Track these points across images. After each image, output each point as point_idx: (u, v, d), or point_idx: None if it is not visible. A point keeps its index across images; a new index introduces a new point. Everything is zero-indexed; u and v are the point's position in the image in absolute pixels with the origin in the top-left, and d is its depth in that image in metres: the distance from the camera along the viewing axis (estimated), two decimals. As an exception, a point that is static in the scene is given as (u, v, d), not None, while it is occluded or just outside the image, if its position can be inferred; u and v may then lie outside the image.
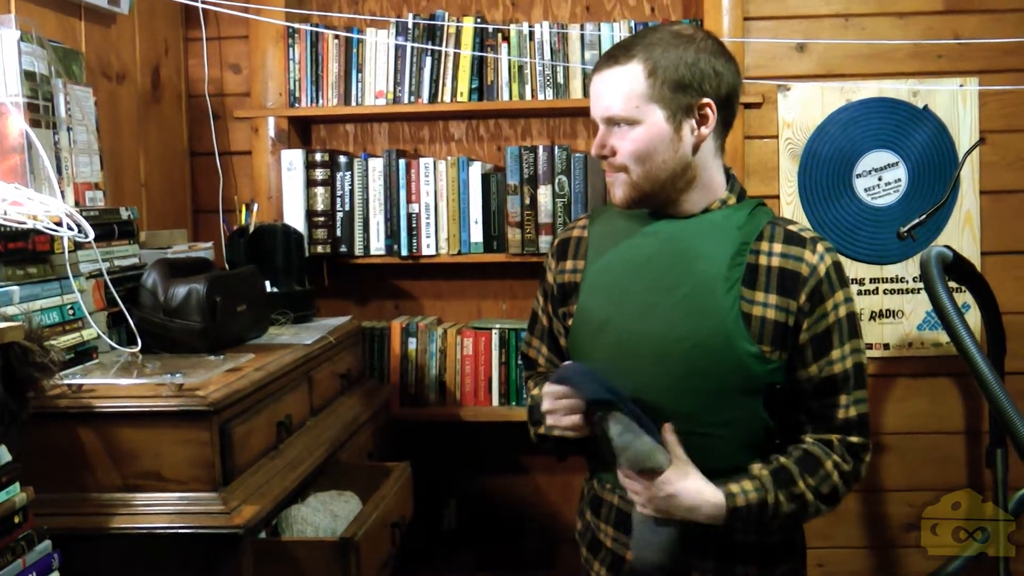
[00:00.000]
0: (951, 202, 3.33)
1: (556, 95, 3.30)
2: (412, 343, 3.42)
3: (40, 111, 2.26)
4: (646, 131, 1.82)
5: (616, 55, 1.84)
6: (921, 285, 2.99)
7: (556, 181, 3.29)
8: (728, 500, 1.77)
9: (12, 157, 2.18)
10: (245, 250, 2.96)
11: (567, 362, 1.91)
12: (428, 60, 3.33)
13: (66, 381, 1.95)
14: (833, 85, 3.33)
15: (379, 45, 3.37)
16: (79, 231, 2.03)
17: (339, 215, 3.38)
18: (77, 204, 2.36)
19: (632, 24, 3.27)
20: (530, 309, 2.18)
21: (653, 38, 1.83)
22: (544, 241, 3.28)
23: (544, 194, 3.29)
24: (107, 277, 2.27)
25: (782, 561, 1.94)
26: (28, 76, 2.22)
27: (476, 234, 3.35)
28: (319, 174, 3.36)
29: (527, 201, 3.30)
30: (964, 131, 3.31)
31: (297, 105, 3.42)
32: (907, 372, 3.43)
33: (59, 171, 2.30)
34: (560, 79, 3.30)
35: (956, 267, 2.89)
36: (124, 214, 2.48)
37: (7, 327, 1.66)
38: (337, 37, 3.38)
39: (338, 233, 3.39)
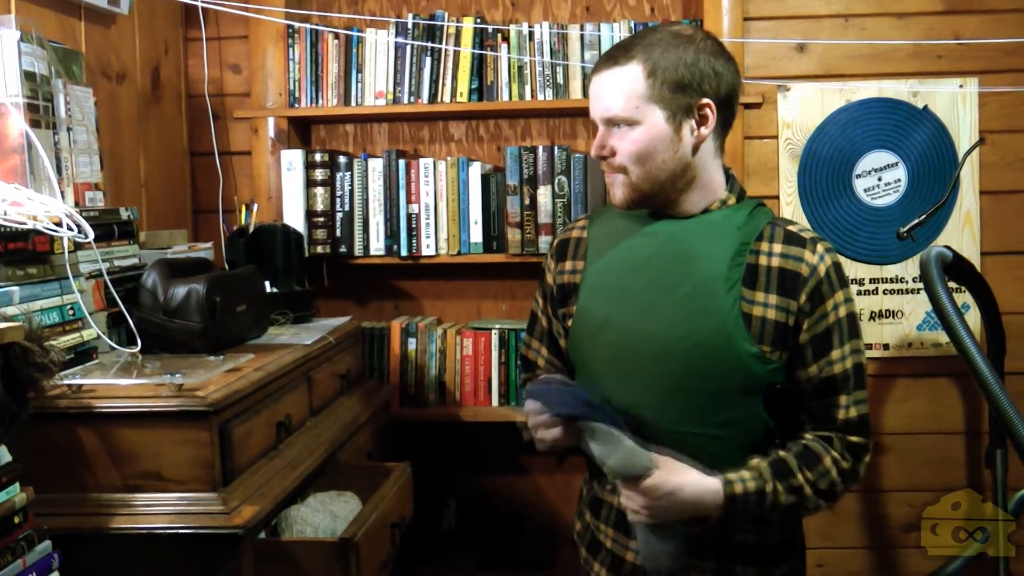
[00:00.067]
0: (951, 202, 3.33)
1: (556, 95, 3.30)
2: (412, 343, 3.42)
3: (40, 111, 2.25)
4: (646, 132, 1.82)
5: (615, 56, 1.84)
6: (921, 285, 2.99)
7: (556, 181, 3.29)
8: (726, 487, 1.77)
9: (12, 157, 2.18)
10: (245, 250, 2.96)
11: (541, 376, 1.91)
12: (428, 60, 3.33)
13: (66, 381, 1.95)
14: (833, 85, 3.33)
15: (379, 45, 3.37)
16: (79, 231, 2.03)
17: (339, 215, 3.38)
18: (77, 204, 2.36)
19: (632, 24, 3.27)
20: (529, 309, 2.18)
21: (652, 38, 1.83)
22: (544, 241, 3.28)
23: (544, 194, 3.29)
24: (107, 277, 2.27)
25: (782, 561, 1.94)
26: (28, 76, 2.22)
27: (476, 234, 3.35)
28: (319, 174, 3.36)
29: (527, 201, 3.30)
30: (964, 131, 3.31)
31: (297, 105, 3.42)
32: (907, 372, 3.43)
33: (59, 171, 2.30)
34: (560, 79, 3.30)
35: (956, 267, 2.89)
36: (124, 214, 2.48)
37: (7, 327, 1.66)
38: (337, 37, 3.38)
39: (338, 233, 3.39)
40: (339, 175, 3.38)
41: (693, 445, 1.81)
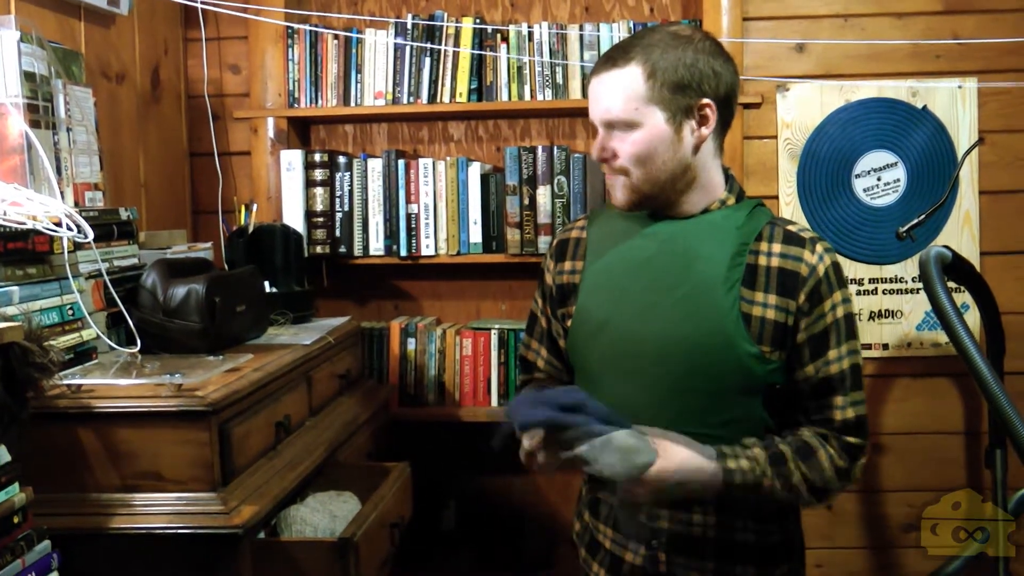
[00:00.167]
0: (950, 202, 3.33)
1: (555, 95, 3.30)
2: (411, 343, 3.42)
3: (40, 112, 2.26)
4: (646, 133, 1.82)
5: (614, 57, 1.84)
6: (920, 285, 2.99)
7: (555, 181, 3.29)
8: (725, 476, 1.76)
9: (12, 158, 2.18)
10: (244, 250, 2.96)
11: (522, 393, 1.90)
12: (427, 60, 3.33)
13: (65, 381, 1.95)
14: (832, 85, 3.34)
15: (378, 45, 3.37)
16: (79, 231, 2.03)
17: (338, 215, 3.38)
18: (77, 204, 2.36)
19: (631, 24, 3.27)
20: (529, 310, 2.18)
21: (651, 39, 1.82)
22: (543, 241, 3.28)
23: (543, 194, 3.29)
24: (106, 277, 2.27)
25: (781, 561, 1.94)
26: (28, 77, 2.22)
27: (475, 234, 3.35)
28: (318, 174, 3.36)
29: (526, 201, 3.30)
30: (963, 131, 3.31)
31: (296, 105, 3.42)
32: (906, 372, 3.43)
33: (59, 171, 2.31)
34: (559, 79, 3.30)
35: (955, 267, 2.89)
36: (123, 214, 2.48)
37: (7, 327, 1.66)
38: (336, 37, 3.38)
39: (337, 233, 3.39)
40: (338, 175, 3.38)
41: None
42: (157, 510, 1.94)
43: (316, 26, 3.40)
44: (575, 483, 2.94)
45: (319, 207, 3.36)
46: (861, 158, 3.34)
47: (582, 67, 3.29)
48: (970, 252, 3.30)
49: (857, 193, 3.34)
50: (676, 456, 1.74)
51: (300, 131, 3.55)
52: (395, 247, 3.36)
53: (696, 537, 1.88)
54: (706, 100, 1.83)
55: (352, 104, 3.39)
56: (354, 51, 3.38)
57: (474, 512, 3.56)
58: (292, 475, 2.25)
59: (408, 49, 3.33)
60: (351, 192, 3.37)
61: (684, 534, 1.89)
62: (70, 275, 2.08)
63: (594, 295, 1.94)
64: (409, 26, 3.34)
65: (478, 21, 3.32)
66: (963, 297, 3.25)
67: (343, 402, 2.83)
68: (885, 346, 3.40)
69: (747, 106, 3.35)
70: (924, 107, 3.31)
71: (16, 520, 1.65)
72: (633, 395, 1.85)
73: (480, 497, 3.56)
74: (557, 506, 3.52)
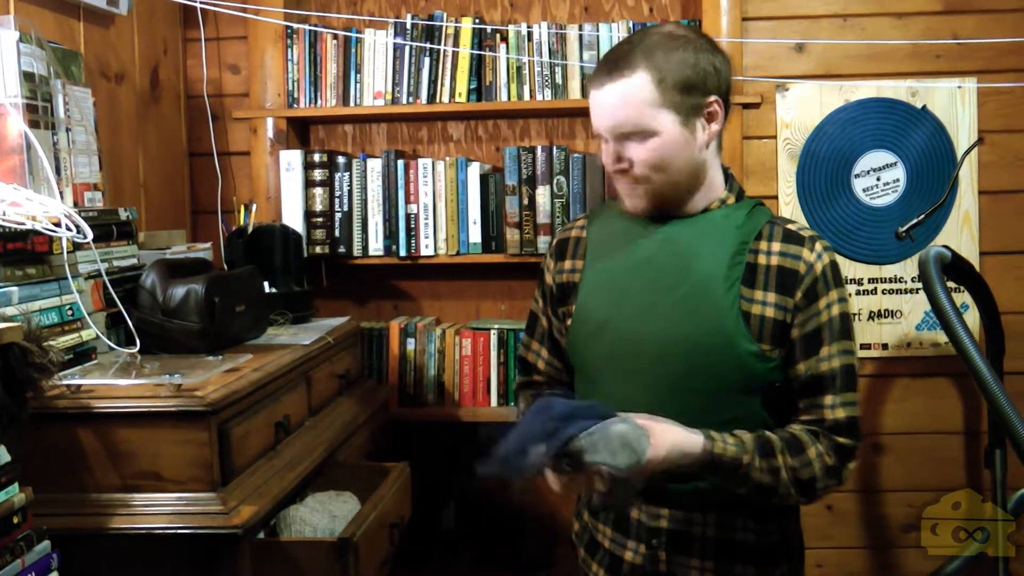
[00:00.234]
0: (950, 202, 3.33)
1: (554, 95, 3.30)
2: (411, 343, 3.42)
3: (39, 112, 2.26)
4: (663, 138, 1.81)
5: (617, 67, 1.81)
6: (920, 285, 3.00)
7: (554, 181, 3.29)
8: (707, 443, 1.75)
9: (11, 158, 2.18)
10: (244, 251, 2.96)
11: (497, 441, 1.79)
12: (426, 61, 3.33)
13: (65, 382, 1.95)
14: (831, 85, 3.34)
15: (377, 45, 3.37)
16: (78, 232, 2.03)
17: (337, 216, 3.38)
18: (76, 205, 2.36)
19: (630, 24, 3.27)
20: (528, 309, 2.17)
21: (649, 43, 1.81)
22: (543, 241, 3.28)
23: (542, 194, 3.29)
24: (106, 278, 2.27)
25: (781, 561, 1.94)
26: (27, 77, 2.22)
27: (474, 234, 3.35)
28: (317, 175, 3.36)
29: (525, 201, 3.30)
30: (962, 131, 3.31)
31: (295, 106, 3.42)
32: (906, 372, 3.43)
33: (58, 172, 2.31)
34: (558, 79, 3.30)
35: (955, 267, 2.89)
36: (123, 215, 2.48)
37: (6, 328, 1.66)
38: (336, 37, 3.38)
39: (336, 234, 3.39)
40: (338, 175, 3.38)
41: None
42: (157, 510, 1.94)
43: (315, 26, 3.40)
44: (575, 483, 2.94)
45: (318, 207, 3.36)
46: (860, 158, 3.34)
47: (581, 67, 3.29)
48: (969, 252, 3.30)
49: (856, 193, 3.34)
50: (667, 439, 1.73)
51: (299, 131, 3.54)
52: (394, 247, 3.36)
53: (696, 536, 1.88)
54: (712, 97, 1.84)
55: (351, 104, 3.39)
56: (353, 51, 3.38)
57: (474, 512, 3.55)
58: (291, 475, 2.25)
59: (407, 49, 3.33)
60: (350, 192, 3.37)
61: (684, 533, 1.89)
62: (69, 275, 2.08)
63: (594, 294, 1.94)
64: (408, 26, 3.34)
65: (477, 21, 3.32)
66: (962, 297, 3.25)
67: (342, 402, 2.83)
68: (884, 346, 3.40)
69: (746, 106, 3.35)
70: (924, 107, 3.31)
71: (16, 520, 1.65)
72: (633, 395, 1.85)
73: (480, 497, 3.55)
74: (556, 506, 3.52)
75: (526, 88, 3.31)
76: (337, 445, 2.62)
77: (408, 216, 3.35)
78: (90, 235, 2.05)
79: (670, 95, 1.79)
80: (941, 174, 3.32)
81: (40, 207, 2.02)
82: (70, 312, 2.08)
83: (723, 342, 1.80)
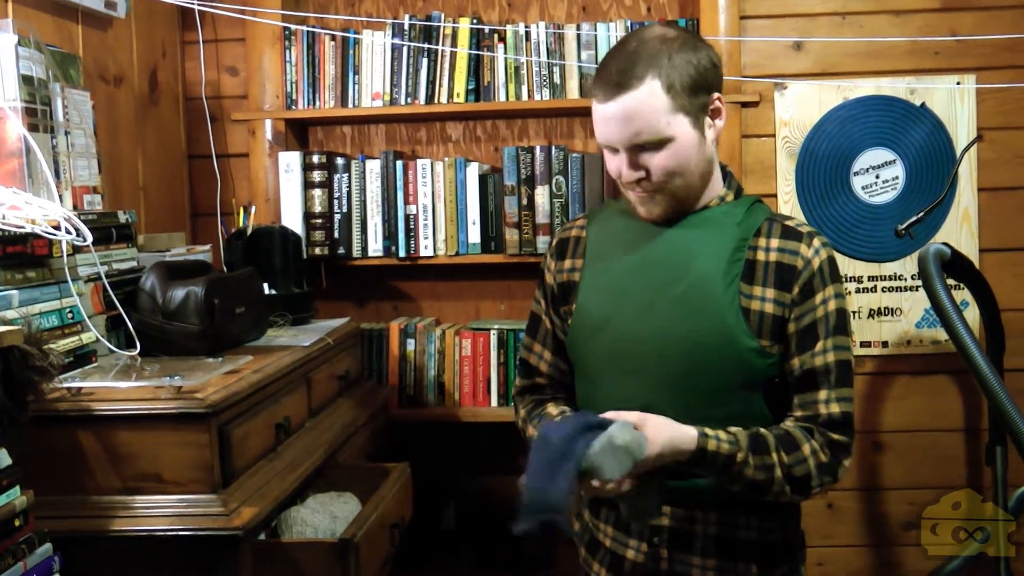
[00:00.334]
0: (949, 199, 3.33)
1: (553, 95, 3.30)
2: (410, 344, 3.42)
3: (38, 115, 2.26)
4: (679, 143, 1.80)
5: (625, 78, 1.78)
6: (919, 283, 2.99)
7: (553, 181, 3.29)
8: (700, 439, 1.74)
9: (10, 161, 2.18)
10: (243, 252, 2.96)
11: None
12: (424, 61, 3.33)
13: (65, 384, 1.95)
14: (830, 83, 3.34)
15: (375, 46, 3.37)
16: (77, 235, 2.03)
17: (337, 217, 3.38)
18: (75, 208, 2.36)
19: (628, 24, 3.27)
20: (528, 310, 2.17)
21: (651, 50, 1.79)
22: (542, 241, 3.28)
23: (541, 194, 3.29)
24: (106, 280, 2.27)
25: (782, 560, 1.94)
26: (26, 80, 2.22)
27: (474, 235, 3.35)
28: (316, 176, 3.36)
29: (524, 202, 3.30)
30: (961, 128, 3.31)
31: (294, 107, 3.42)
32: (906, 370, 3.43)
33: (57, 175, 2.30)
34: (557, 79, 3.30)
35: (954, 264, 2.89)
36: (122, 217, 2.48)
37: (6, 331, 1.66)
38: (333, 39, 3.38)
39: (336, 235, 3.39)
40: (337, 177, 3.38)
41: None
42: (157, 512, 1.94)
43: (313, 27, 3.40)
44: (575, 483, 2.94)
45: (317, 208, 3.36)
46: (859, 156, 3.34)
47: (579, 67, 3.29)
48: (969, 249, 3.30)
49: (856, 191, 3.34)
50: (661, 436, 1.72)
51: (298, 133, 3.54)
52: (394, 248, 3.36)
53: (698, 534, 1.88)
54: (716, 94, 1.85)
55: (350, 105, 3.39)
56: (351, 52, 3.38)
57: (474, 512, 3.55)
58: (292, 476, 2.25)
59: (405, 50, 3.33)
60: (349, 193, 3.37)
61: (686, 531, 1.89)
62: (69, 278, 2.08)
63: (594, 294, 1.94)
64: (406, 27, 3.34)
65: (475, 21, 3.32)
66: (962, 294, 3.25)
67: (343, 403, 2.83)
68: (884, 344, 3.40)
69: (745, 105, 3.35)
70: (922, 104, 3.31)
71: (17, 523, 1.65)
72: (634, 393, 1.85)
73: (480, 497, 3.55)
74: (557, 506, 3.51)
75: (524, 88, 3.31)
76: (337, 446, 2.62)
77: (407, 217, 3.35)
78: (90, 238, 2.05)
79: (680, 99, 1.79)
80: (940, 171, 3.32)
81: (40, 210, 2.02)
82: (70, 315, 2.08)
83: (723, 339, 1.80)
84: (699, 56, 1.82)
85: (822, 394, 1.84)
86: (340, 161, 3.38)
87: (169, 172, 3.41)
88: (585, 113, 3.41)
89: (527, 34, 3.31)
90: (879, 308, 3.39)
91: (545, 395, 2.09)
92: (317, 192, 3.36)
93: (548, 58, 3.29)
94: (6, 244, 1.92)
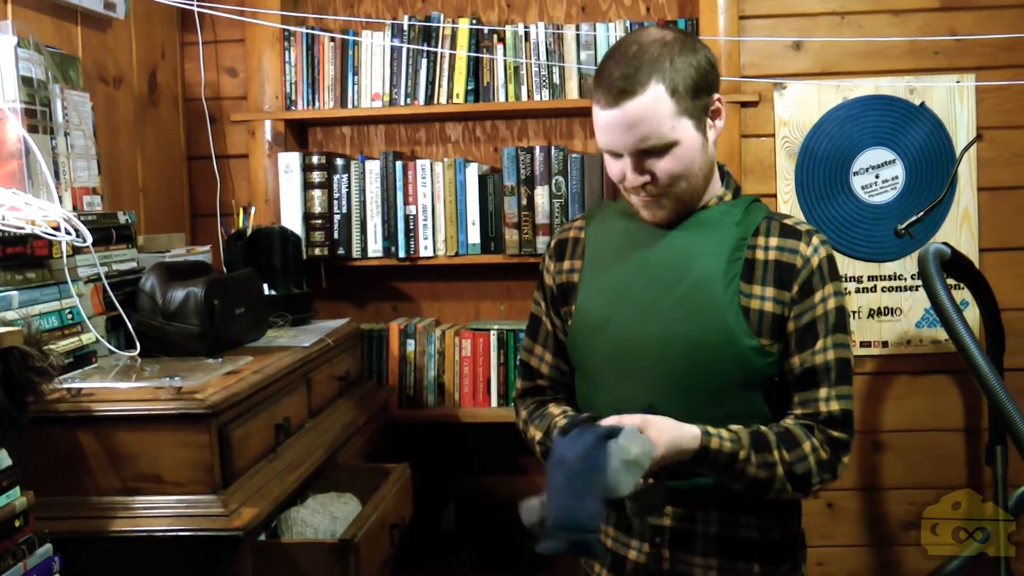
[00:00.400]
0: (949, 199, 3.33)
1: (552, 96, 3.30)
2: (410, 345, 3.42)
3: (38, 116, 2.26)
4: (684, 147, 1.80)
5: (629, 84, 1.77)
6: (919, 282, 2.99)
7: (553, 182, 3.29)
8: (704, 438, 1.74)
9: (10, 162, 2.18)
10: (243, 253, 2.96)
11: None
12: (424, 62, 3.33)
13: (65, 385, 1.95)
14: (830, 83, 3.34)
15: (375, 47, 3.37)
16: (77, 236, 2.03)
17: (336, 217, 3.38)
18: (75, 209, 2.36)
19: (627, 24, 3.27)
20: (528, 310, 2.16)
21: (653, 54, 1.78)
22: (541, 242, 3.28)
23: (541, 195, 3.29)
24: (105, 281, 2.27)
25: (784, 558, 1.94)
26: (25, 82, 2.22)
27: (473, 235, 3.35)
28: (316, 177, 3.36)
29: (524, 202, 3.30)
30: (961, 128, 3.31)
31: (293, 108, 3.42)
32: (906, 370, 3.43)
33: (57, 176, 2.31)
34: (556, 80, 3.30)
35: (954, 264, 2.89)
36: (122, 218, 2.48)
37: (6, 332, 1.66)
38: (333, 40, 3.38)
39: (335, 235, 3.39)
40: (336, 177, 3.38)
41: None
42: (157, 513, 1.94)
43: (312, 28, 3.40)
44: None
45: (317, 209, 3.36)
46: (859, 156, 3.34)
47: (579, 67, 3.29)
48: (969, 249, 3.30)
49: (855, 191, 3.35)
50: (664, 437, 1.72)
51: (297, 133, 3.54)
52: (393, 248, 3.36)
53: (699, 534, 1.88)
54: (716, 95, 1.85)
55: (349, 106, 3.39)
56: (351, 53, 3.38)
57: (474, 512, 3.56)
58: (292, 477, 2.25)
59: (405, 51, 3.33)
60: (349, 194, 3.37)
61: (687, 531, 1.89)
62: (69, 279, 2.08)
63: (593, 294, 1.94)
64: (405, 27, 3.34)
65: (474, 22, 3.32)
66: (962, 294, 3.25)
67: (342, 404, 2.83)
68: (884, 344, 3.40)
69: (745, 104, 3.35)
70: (922, 104, 3.31)
71: (17, 524, 1.65)
72: (634, 393, 1.85)
73: (480, 497, 3.56)
74: (558, 506, 3.51)
75: (524, 89, 3.31)
76: (337, 447, 2.62)
77: (407, 217, 3.35)
78: (89, 239, 2.05)
79: (684, 102, 1.78)
80: (940, 171, 3.33)
81: (39, 211, 2.02)
82: (70, 316, 2.08)
83: (724, 338, 1.80)
84: (698, 58, 1.82)
85: (822, 392, 1.84)
86: (340, 162, 3.38)
87: (169, 173, 3.41)
88: (584, 113, 3.41)
89: (526, 35, 3.31)
90: (879, 308, 3.39)
91: (546, 396, 2.09)
92: (317, 193, 3.36)
93: (547, 59, 3.29)
94: (6, 245, 1.92)
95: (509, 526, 3.62)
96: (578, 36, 3.30)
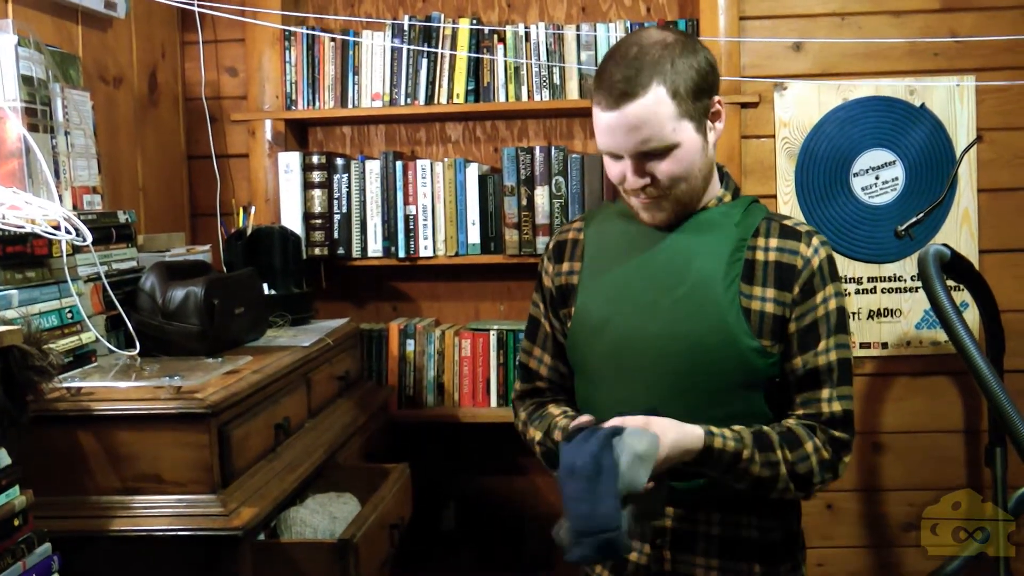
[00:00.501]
0: (949, 200, 3.33)
1: (552, 96, 3.30)
2: (410, 345, 3.42)
3: (38, 115, 2.26)
4: (685, 149, 1.80)
5: (631, 86, 1.76)
6: (919, 284, 2.99)
7: (553, 182, 3.29)
8: (707, 438, 1.74)
9: (10, 161, 2.18)
10: (243, 253, 2.96)
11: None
12: (424, 62, 3.33)
13: (65, 384, 1.95)
14: (830, 84, 3.34)
15: (375, 47, 3.37)
16: (77, 235, 2.03)
17: (336, 217, 3.38)
18: (75, 208, 2.36)
19: (628, 24, 3.27)
20: (527, 310, 2.16)
21: (654, 56, 1.78)
22: (541, 242, 3.28)
23: (541, 195, 3.29)
24: (105, 280, 2.27)
25: (784, 558, 1.94)
26: (26, 81, 2.22)
27: (473, 235, 3.35)
28: (316, 176, 3.36)
29: (524, 202, 3.30)
30: (961, 129, 3.31)
31: (293, 108, 3.42)
32: (906, 371, 3.43)
33: (57, 175, 2.30)
34: (556, 80, 3.30)
35: (954, 265, 2.89)
36: (122, 217, 2.48)
37: (6, 331, 1.66)
38: (333, 40, 3.38)
39: (335, 235, 3.39)
40: (336, 177, 3.38)
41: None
42: (157, 512, 1.94)
43: (313, 28, 3.40)
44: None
45: (317, 209, 3.36)
46: (859, 157, 3.34)
47: (579, 68, 3.29)
48: (969, 250, 3.30)
49: (855, 192, 3.35)
50: (667, 438, 1.72)
51: (297, 133, 3.54)
52: (393, 248, 3.36)
53: (700, 535, 1.88)
54: (716, 97, 1.85)
55: (349, 106, 3.39)
56: (351, 53, 3.38)
57: (474, 512, 3.56)
58: (292, 477, 2.25)
59: (405, 51, 3.33)
60: (349, 194, 3.37)
61: (689, 532, 1.89)
62: (69, 278, 2.08)
63: (593, 295, 1.94)
64: (406, 27, 3.34)
65: (475, 22, 3.32)
66: (962, 295, 3.25)
67: (342, 404, 2.83)
68: (884, 345, 3.40)
69: (745, 105, 3.35)
70: (922, 105, 3.31)
71: (16, 523, 1.65)
72: (634, 394, 1.85)
73: (480, 497, 3.56)
74: (557, 506, 3.50)
75: (524, 89, 3.31)
76: (337, 447, 2.62)
77: (407, 217, 3.35)
78: (89, 238, 2.05)
79: (686, 104, 1.78)
80: (940, 172, 3.33)
81: (39, 210, 2.02)
82: (70, 315, 2.08)
83: (725, 339, 1.80)
84: (699, 60, 1.82)
85: (824, 392, 1.84)
86: (340, 161, 3.38)
87: (169, 172, 3.41)
88: (585, 114, 3.41)
89: (527, 35, 3.31)
90: (879, 309, 3.39)
91: (545, 398, 2.09)
92: (317, 192, 3.36)
93: (548, 59, 3.29)
94: (6, 244, 1.92)
95: (509, 526, 3.64)
96: (578, 36, 3.30)
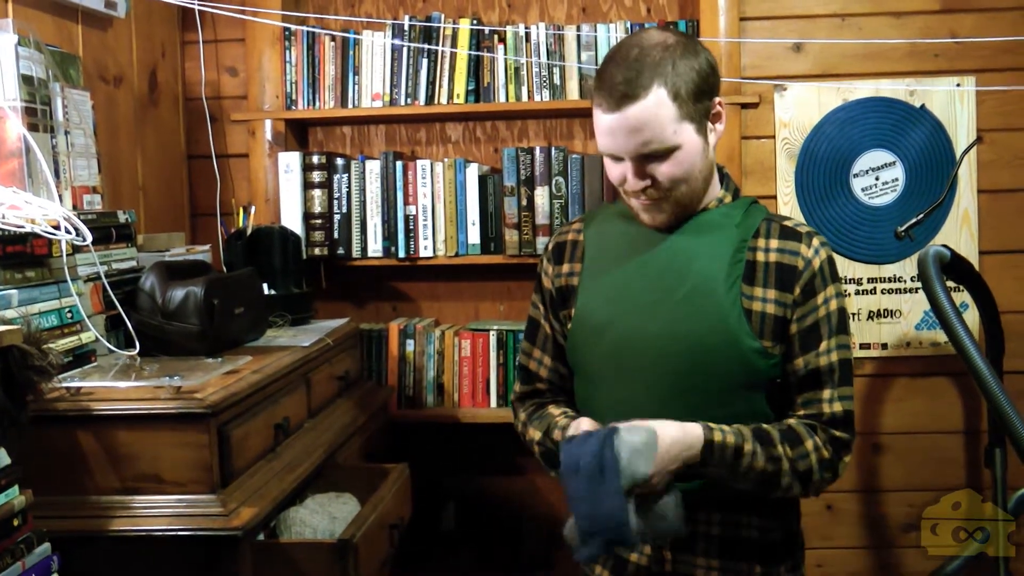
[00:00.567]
0: (949, 201, 3.33)
1: (552, 96, 3.30)
2: (410, 345, 3.42)
3: (38, 115, 2.26)
4: (686, 151, 1.80)
5: (632, 88, 1.76)
6: (919, 285, 2.99)
7: (553, 182, 3.29)
8: (706, 432, 1.75)
9: (10, 161, 2.18)
10: (243, 253, 2.96)
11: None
12: (424, 62, 3.33)
13: (65, 384, 1.95)
14: (830, 85, 3.34)
15: (375, 47, 3.37)
16: (77, 234, 2.03)
17: (336, 217, 3.38)
18: (75, 207, 2.36)
19: (628, 25, 3.27)
20: (527, 310, 2.16)
21: (655, 58, 1.78)
22: (541, 242, 3.28)
23: (541, 195, 3.29)
24: (105, 280, 2.27)
25: (784, 558, 1.94)
26: (26, 80, 2.22)
27: (473, 236, 3.35)
28: (316, 176, 3.36)
29: (524, 202, 3.30)
30: (961, 130, 3.31)
31: (294, 107, 3.42)
32: (905, 372, 3.43)
33: (57, 175, 2.30)
34: (556, 80, 3.30)
35: (954, 266, 2.89)
36: (122, 217, 2.48)
37: (5, 330, 1.66)
38: (333, 39, 3.38)
39: (335, 235, 3.39)
40: (336, 177, 3.38)
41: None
42: (156, 512, 1.94)
43: (313, 28, 3.40)
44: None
45: (317, 209, 3.36)
46: (859, 157, 3.34)
47: (579, 68, 3.29)
48: (969, 251, 3.30)
49: (855, 192, 3.35)
50: (668, 431, 1.73)
51: (298, 133, 3.54)
52: (393, 248, 3.36)
53: (701, 535, 1.88)
54: (717, 99, 1.85)
55: (349, 106, 3.39)
56: (351, 53, 3.38)
57: (473, 512, 3.56)
58: (291, 477, 2.25)
59: (405, 51, 3.33)
60: (349, 194, 3.37)
61: (689, 532, 1.88)
62: (69, 278, 2.08)
63: (594, 297, 1.94)
64: (406, 27, 3.34)
65: (475, 22, 3.32)
66: (962, 296, 3.25)
67: (342, 404, 2.83)
68: (884, 346, 3.40)
69: (745, 106, 3.35)
70: (922, 106, 3.31)
71: (16, 523, 1.65)
72: (635, 395, 1.85)
73: (479, 497, 3.56)
74: (556, 507, 3.52)
75: (524, 89, 3.31)
76: (337, 447, 2.62)
77: (407, 217, 3.35)
78: (89, 238, 2.05)
79: (687, 106, 1.78)
80: (940, 173, 3.33)
81: (39, 210, 2.02)
82: (69, 315, 2.08)
83: (726, 340, 1.80)
84: (700, 61, 1.81)
85: (826, 393, 1.84)
86: (340, 161, 3.38)
87: (169, 172, 3.41)
88: (585, 114, 3.41)
89: (527, 35, 3.31)
90: (879, 310, 3.39)
91: (545, 399, 2.09)
92: (317, 192, 3.36)
93: (548, 59, 3.29)
94: (6, 244, 1.92)
95: (508, 526, 3.64)
96: (579, 37, 3.30)
